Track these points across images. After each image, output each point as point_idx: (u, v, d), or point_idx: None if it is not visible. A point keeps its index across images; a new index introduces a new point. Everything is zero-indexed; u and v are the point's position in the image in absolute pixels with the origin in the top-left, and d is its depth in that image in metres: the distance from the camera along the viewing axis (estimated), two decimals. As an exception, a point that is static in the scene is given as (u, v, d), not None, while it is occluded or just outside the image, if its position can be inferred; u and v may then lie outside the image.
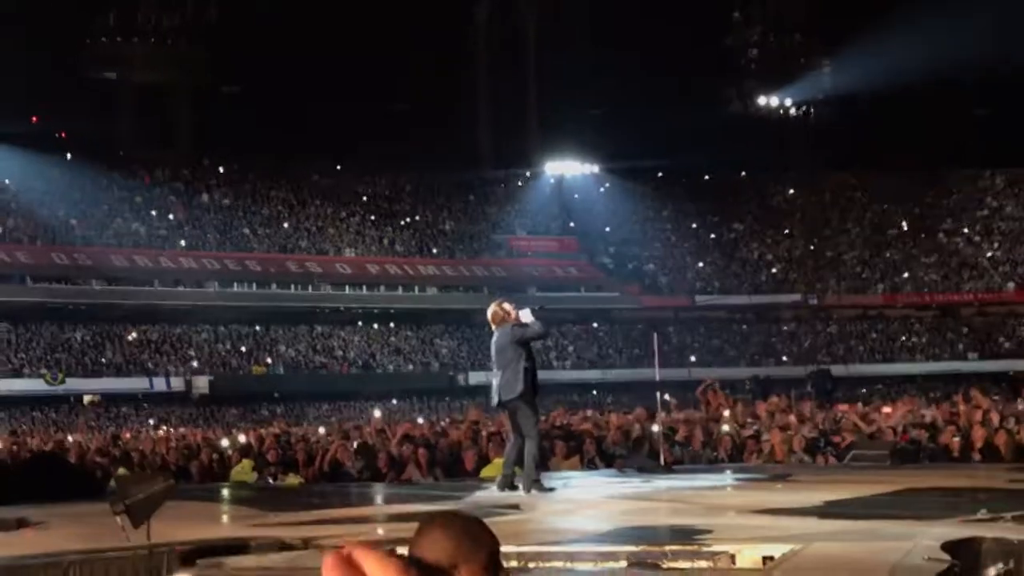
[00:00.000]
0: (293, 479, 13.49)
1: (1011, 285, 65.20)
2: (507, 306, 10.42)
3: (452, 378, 55.99)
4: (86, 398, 50.11)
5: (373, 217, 64.61)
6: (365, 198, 65.89)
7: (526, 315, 10.27)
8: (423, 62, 64.09)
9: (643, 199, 69.93)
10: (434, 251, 63.73)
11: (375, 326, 59.28)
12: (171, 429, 29.56)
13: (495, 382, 10.13)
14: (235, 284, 56.70)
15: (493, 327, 10.34)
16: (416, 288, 60.42)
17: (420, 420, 25.28)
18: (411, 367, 57.01)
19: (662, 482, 10.75)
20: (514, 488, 9.75)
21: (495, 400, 10.24)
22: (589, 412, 22.52)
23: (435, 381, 55.82)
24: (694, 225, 69.57)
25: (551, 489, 9.82)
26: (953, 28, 54.00)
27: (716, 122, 64.74)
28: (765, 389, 33.99)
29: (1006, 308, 64.45)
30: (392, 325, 59.52)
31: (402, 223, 64.92)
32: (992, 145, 66.20)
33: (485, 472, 12.16)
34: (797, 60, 60.49)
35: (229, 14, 63.20)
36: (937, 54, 53.30)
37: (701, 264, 66.92)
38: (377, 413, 33.01)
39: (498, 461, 12.07)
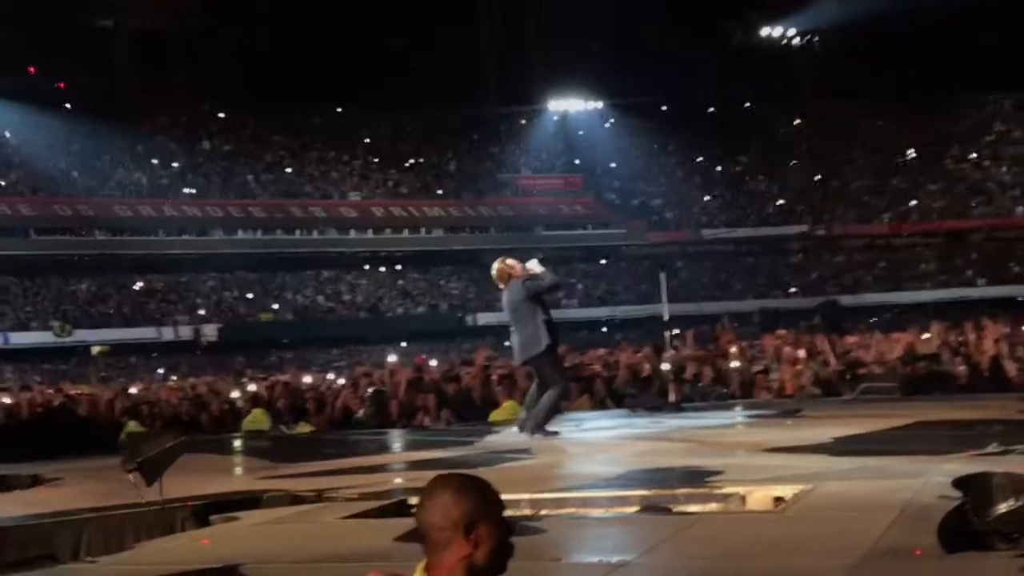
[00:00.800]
0: (304, 427, 13.53)
1: (1020, 209, 64.96)
2: (511, 261, 10.14)
3: (461, 319, 56.03)
4: (94, 349, 50.18)
5: (376, 159, 64.38)
6: (368, 140, 65.60)
7: (534, 266, 10.02)
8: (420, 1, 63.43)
9: (647, 134, 69.51)
10: (439, 192, 63.55)
11: (382, 269, 59.29)
12: (180, 379, 29.61)
13: (515, 340, 9.89)
14: (239, 231, 56.66)
15: (500, 285, 10.10)
16: (422, 230, 60.34)
17: (433, 362, 25.28)
18: (420, 309, 57.10)
19: (672, 421, 10.76)
20: (539, 433, 9.61)
21: (518, 359, 10.11)
22: (601, 351, 22.46)
23: (444, 323, 55.87)
24: (699, 159, 69.26)
25: (555, 433, 9.72)
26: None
27: (720, 55, 64.14)
28: (774, 321, 33.92)
29: (1015, 233, 64.15)
30: (399, 268, 59.53)
31: (406, 165, 64.70)
32: (999, 69, 65.46)
33: (494, 415, 12.17)
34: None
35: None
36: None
37: (707, 198, 66.75)
38: (392, 357, 32.98)
39: (508, 404, 12.11)
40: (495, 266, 10.17)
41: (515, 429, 9.92)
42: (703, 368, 14.60)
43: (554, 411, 9.92)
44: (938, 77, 65.92)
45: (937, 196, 66.33)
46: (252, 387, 17.94)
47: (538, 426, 9.63)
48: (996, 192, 66.46)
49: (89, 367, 47.48)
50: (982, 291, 59.43)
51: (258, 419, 13.99)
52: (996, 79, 67.70)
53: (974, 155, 68.85)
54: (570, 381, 10.61)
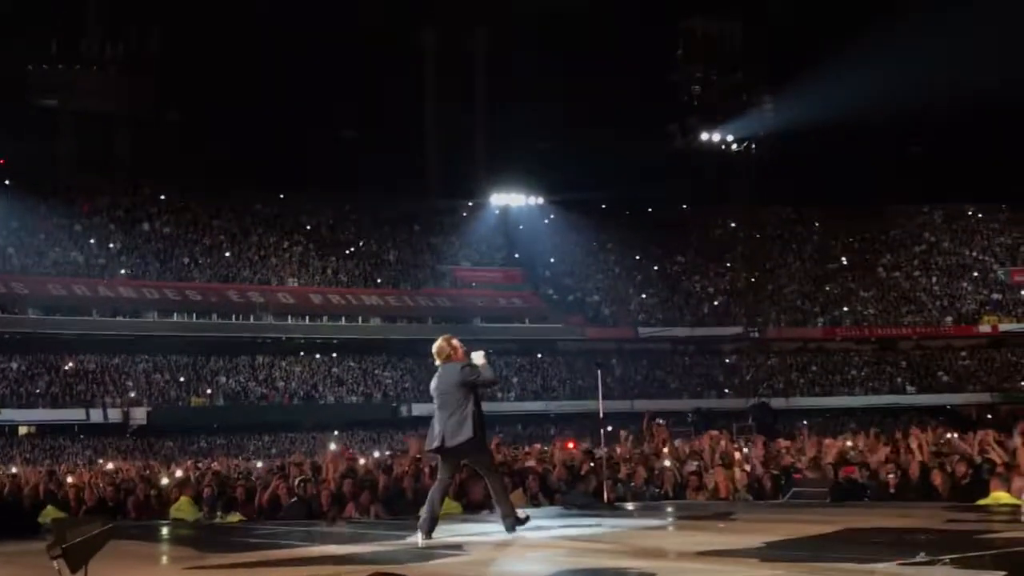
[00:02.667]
0: (234, 516, 13.31)
1: (949, 319, 66.34)
2: (456, 343, 9.81)
3: (395, 409, 55.72)
4: (21, 429, 49.18)
5: (316, 247, 64.30)
6: (308, 227, 65.59)
7: (478, 358, 9.73)
8: (368, 92, 64.06)
9: (587, 231, 70.31)
10: (378, 281, 63.53)
11: (317, 356, 58.88)
12: (106, 463, 29.04)
13: (437, 425, 9.46)
14: (175, 314, 56.08)
15: (438, 362, 9.72)
16: (359, 318, 60.14)
17: (375, 454, 25.06)
18: (354, 398, 56.65)
19: (605, 520, 10.73)
20: (432, 530, 9.21)
21: (435, 444, 9.44)
22: (538, 446, 22.48)
23: (378, 412, 55.50)
24: (637, 257, 70.06)
25: (526, 519, 9.50)
26: (891, 68, 55.01)
27: (660, 156, 65.45)
28: (707, 421, 34.14)
29: (943, 342, 65.53)
30: (335, 355, 59.15)
31: (346, 252, 64.68)
32: (929, 181, 67.41)
33: (426, 509, 12.05)
34: (738, 97, 61.35)
35: (172, 43, 62.82)
36: (875, 93, 54.27)
37: (644, 296, 67.36)
38: (333, 445, 32.65)
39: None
40: (439, 341, 9.80)
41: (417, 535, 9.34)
42: (637, 467, 14.63)
43: (507, 494, 9.70)
44: (871, 187, 67.67)
45: (869, 303, 67.55)
46: (179, 473, 17.66)
47: (511, 517, 9.39)
48: (926, 301, 67.84)
49: (14, 447, 46.46)
50: (911, 398, 60.46)
51: (184, 508, 13.76)
52: (927, 192, 69.66)
53: (904, 264, 70.41)
54: (497, 468, 10.33)
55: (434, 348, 9.75)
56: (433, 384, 9.69)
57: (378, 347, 59.66)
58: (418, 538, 9.03)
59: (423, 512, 9.31)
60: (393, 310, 61.28)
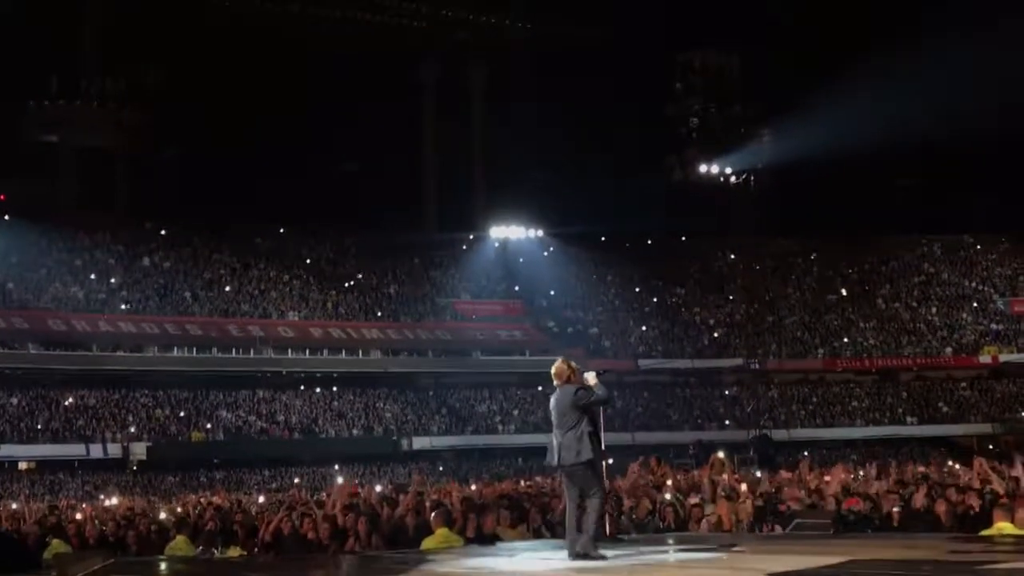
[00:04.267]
0: (234, 551, 13.26)
1: (948, 350, 66.31)
2: (574, 364, 10.09)
3: (396, 443, 55.65)
4: (21, 464, 49.10)
5: (317, 280, 64.39)
6: (308, 261, 65.72)
7: (591, 378, 9.97)
8: (368, 125, 64.32)
9: (587, 263, 70.46)
10: (378, 314, 63.55)
11: (318, 390, 58.82)
12: (107, 498, 28.98)
13: (555, 441, 9.87)
14: (175, 348, 56.08)
15: (556, 383, 10.01)
16: (360, 352, 60.09)
17: (376, 488, 25.02)
18: (354, 432, 56.54)
19: (608, 553, 10.71)
20: (583, 556, 9.54)
21: (554, 461, 9.92)
22: (538, 479, 22.47)
23: (379, 446, 55.44)
24: (637, 289, 70.13)
25: (602, 557, 9.57)
26: (889, 98, 55.28)
27: (659, 188, 65.63)
28: (708, 454, 34.03)
29: (943, 373, 65.50)
30: (335, 389, 59.07)
31: (346, 286, 64.75)
32: (928, 213, 67.60)
33: (426, 543, 12.02)
34: (737, 129, 61.60)
35: (172, 77, 63.11)
36: (875, 123, 54.46)
37: (644, 328, 67.34)
38: (340, 479, 32.61)
39: (440, 531, 11.95)
40: (557, 363, 10.08)
41: (566, 555, 9.73)
42: (640, 499, 14.61)
43: (601, 522, 9.92)
44: (870, 219, 67.84)
45: (869, 334, 67.56)
46: (178, 509, 17.61)
47: (591, 542, 9.59)
48: (925, 332, 67.86)
49: (15, 483, 46.35)
50: (912, 429, 60.38)
51: (180, 546, 13.69)
52: (926, 223, 69.84)
53: (904, 295, 70.51)
54: (608, 491, 10.58)
55: (553, 370, 10.04)
56: (552, 403, 10.03)
57: (379, 380, 59.64)
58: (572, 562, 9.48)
59: (568, 536, 9.77)
60: (393, 343, 61.26)
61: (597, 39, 62.75)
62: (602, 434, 10.06)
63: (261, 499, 22.35)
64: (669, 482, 16.13)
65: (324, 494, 18.35)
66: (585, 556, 9.54)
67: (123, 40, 62.63)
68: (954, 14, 54.72)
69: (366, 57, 63.33)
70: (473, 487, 21.34)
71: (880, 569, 8.56)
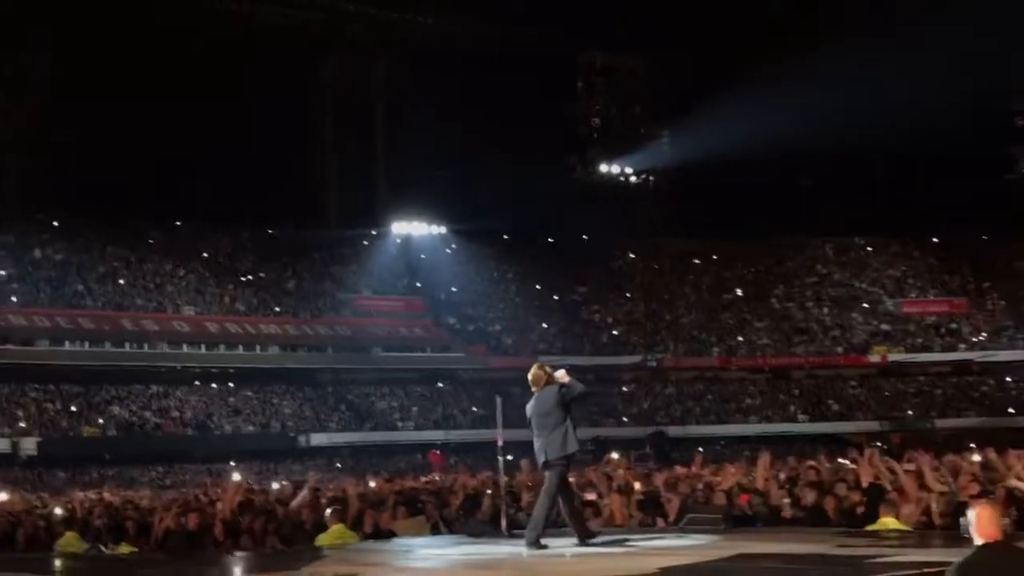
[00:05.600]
0: (125, 548, 13.01)
1: (840, 349, 67.88)
2: (549, 368, 10.72)
3: (293, 439, 55.13)
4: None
5: (213, 274, 63.43)
6: (205, 255, 64.69)
7: (563, 375, 10.61)
8: (267, 119, 63.48)
9: (489, 261, 70.56)
10: (277, 310, 62.87)
11: (213, 385, 57.99)
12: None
13: (538, 443, 10.36)
14: (67, 342, 54.77)
15: (534, 389, 10.56)
16: (257, 347, 59.40)
17: (273, 485, 24.69)
18: (251, 428, 55.86)
19: (503, 548, 10.76)
20: (588, 542, 10.14)
21: (541, 460, 10.41)
22: (438, 476, 22.44)
23: (276, 443, 54.85)
24: (538, 287, 70.46)
25: (544, 546, 10.02)
26: (784, 102, 56.28)
27: (561, 187, 65.95)
28: (605, 450, 34.40)
29: (834, 371, 67.04)
30: (231, 385, 58.31)
31: (243, 281, 63.91)
32: (822, 214, 68.97)
33: (321, 539, 11.94)
34: (637, 130, 62.20)
35: (64, 65, 61.52)
36: (771, 126, 55.42)
37: (545, 326, 67.70)
38: (236, 476, 32.15)
39: (336, 528, 11.89)
40: (533, 369, 10.72)
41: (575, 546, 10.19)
42: (535, 495, 14.67)
43: (543, 526, 10.25)
44: (765, 220, 68.99)
45: (763, 333, 68.83)
46: (68, 506, 17.23)
47: (531, 540, 10.04)
48: (817, 332, 69.35)
49: None
50: (803, 427, 61.65)
51: (70, 542, 13.42)
52: (818, 225, 71.29)
53: (797, 295, 71.98)
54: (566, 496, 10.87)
55: (530, 377, 10.67)
56: (531, 407, 10.56)
57: (276, 376, 59.02)
58: (574, 548, 10.05)
59: (575, 532, 10.32)
60: (292, 339, 60.67)
61: (500, 37, 62.83)
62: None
63: (152, 495, 21.92)
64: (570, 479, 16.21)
65: (219, 491, 18.10)
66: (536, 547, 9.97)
67: (12, 29, 60.86)
68: (851, 20, 56.04)
69: (266, 51, 62.49)
70: (371, 484, 21.22)
71: (769, 563, 8.73)
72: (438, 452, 39.86)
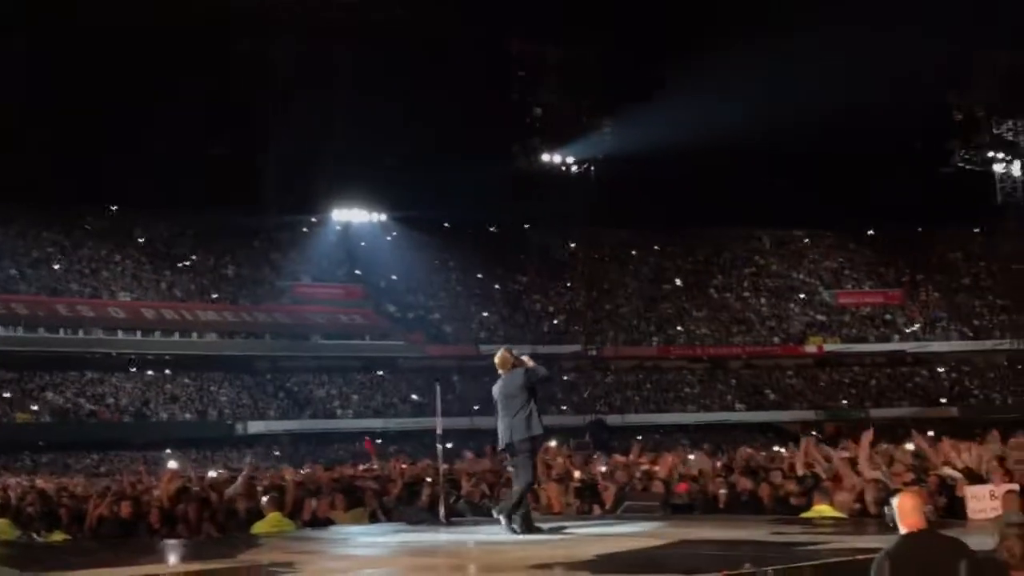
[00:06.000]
0: (58, 535, 12.82)
1: (776, 339, 68.61)
2: (515, 352, 10.93)
3: (231, 427, 54.69)
4: None
5: (150, 260, 62.68)
6: (142, 240, 63.92)
7: (527, 359, 10.82)
8: (206, 103, 62.80)
9: (430, 249, 70.38)
10: (215, 296, 62.28)
11: (150, 372, 57.35)
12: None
13: (502, 424, 10.54)
14: (0, 327, 53.84)
15: (501, 372, 10.75)
16: (194, 334, 58.81)
17: (210, 473, 24.44)
18: (187, 415, 55.33)
19: (442, 536, 10.76)
20: (535, 529, 10.23)
21: (503, 442, 10.60)
22: (376, 465, 22.34)
23: (213, 430, 54.39)
24: (479, 276, 70.44)
25: (539, 529, 10.31)
26: (726, 95, 56.77)
27: (502, 176, 65.93)
28: (546, 438, 34.35)
29: (772, 361, 67.78)
30: (168, 372, 57.71)
31: (181, 267, 63.22)
32: (760, 206, 69.69)
33: (257, 527, 11.85)
34: (579, 120, 62.32)
35: None
36: (710, 119, 55.88)
37: (486, 314, 67.71)
38: (172, 464, 31.77)
39: (272, 516, 11.81)
40: (500, 353, 10.89)
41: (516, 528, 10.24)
42: (477, 483, 14.68)
43: (521, 502, 10.41)
44: (704, 211, 69.58)
45: (701, 323, 69.39)
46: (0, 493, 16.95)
47: (508, 515, 10.24)
48: (755, 322, 70.04)
49: None
50: (740, 415, 62.30)
51: (2, 530, 13.18)
52: (757, 216, 72.01)
53: (735, 286, 72.65)
54: (535, 479, 11.25)
55: (497, 360, 10.85)
56: (497, 389, 10.77)
57: (214, 363, 58.48)
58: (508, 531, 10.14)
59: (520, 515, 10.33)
60: (230, 326, 60.13)
61: (444, 25, 62.65)
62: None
63: (86, 482, 21.63)
64: (511, 468, 16.25)
65: (153, 479, 17.90)
66: (510, 525, 10.17)
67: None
68: (787, 16, 56.57)
69: (208, 35, 61.76)
70: (309, 471, 21.10)
71: (705, 550, 8.81)
72: (369, 439, 39.53)
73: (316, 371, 61.17)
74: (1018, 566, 5.83)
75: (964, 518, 9.99)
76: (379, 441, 53.94)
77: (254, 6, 61.70)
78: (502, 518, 10.23)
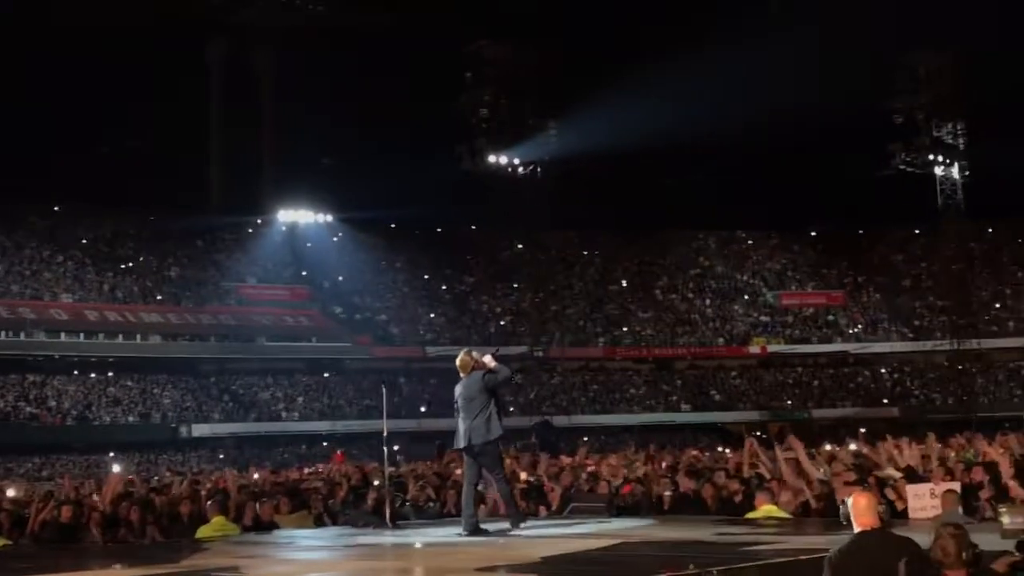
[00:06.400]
0: (0, 541, 12.65)
1: (721, 340, 69.15)
2: (475, 354, 11.01)
3: (175, 430, 54.18)
4: None
5: (93, 261, 61.92)
6: (85, 241, 63.11)
7: (489, 360, 10.89)
8: (150, 102, 62.15)
9: (376, 250, 70.15)
10: (158, 298, 61.65)
11: (92, 375, 56.65)
12: None
13: (463, 426, 10.65)
14: (-62, 330, 53.08)
15: (462, 374, 10.86)
16: (138, 336, 58.18)
17: (155, 477, 24.23)
18: (131, 418, 54.72)
19: (389, 539, 10.75)
20: (481, 531, 10.37)
21: (463, 443, 10.70)
22: (320, 467, 22.29)
23: (156, 433, 53.86)
24: (426, 277, 70.33)
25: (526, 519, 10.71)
26: (671, 96, 57.06)
27: (448, 176, 65.81)
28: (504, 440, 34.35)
29: (716, 362, 68.30)
30: (111, 374, 57.04)
31: (124, 268, 62.51)
32: (705, 208, 70.21)
33: (202, 531, 11.78)
34: (525, 122, 62.38)
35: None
36: (656, 120, 56.14)
37: (433, 315, 67.61)
38: (116, 468, 31.46)
39: (217, 519, 11.73)
40: (461, 355, 10.97)
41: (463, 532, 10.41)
42: (424, 485, 14.68)
43: (513, 500, 10.85)
44: (649, 212, 69.97)
45: (647, 324, 69.76)
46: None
47: (518, 522, 10.58)
48: (699, 323, 70.55)
49: None
50: (686, 416, 62.72)
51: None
52: (702, 218, 72.55)
53: (680, 287, 73.13)
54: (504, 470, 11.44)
55: (458, 363, 10.94)
56: (458, 391, 10.90)
57: (158, 366, 57.88)
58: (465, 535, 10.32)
59: (465, 513, 10.63)
60: (174, 328, 59.56)
61: (389, 25, 62.45)
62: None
63: (25, 487, 21.33)
64: (458, 471, 16.28)
65: (93, 483, 17.72)
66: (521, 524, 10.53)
67: None
68: (732, 17, 57.03)
69: (152, 34, 61.10)
70: (255, 475, 20.98)
71: (649, 551, 8.88)
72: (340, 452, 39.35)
73: (261, 373, 60.75)
74: (952, 565, 5.96)
75: (906, 517, 10.16)
76: (324, 444, 53.92)
77: (199, 7, 61.16)
78: (513, 527, 10.52)
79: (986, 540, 6.97)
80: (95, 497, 14.78)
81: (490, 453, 10.72)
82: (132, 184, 62.12)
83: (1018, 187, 62.27)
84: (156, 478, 22.78)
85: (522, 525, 10.60)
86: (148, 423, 54.64)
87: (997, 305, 70.54)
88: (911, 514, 10.60)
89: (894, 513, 10.26)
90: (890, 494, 11.03)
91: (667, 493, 13.25)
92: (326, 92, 63.22)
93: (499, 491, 10.92)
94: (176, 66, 63.05)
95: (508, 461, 17.21)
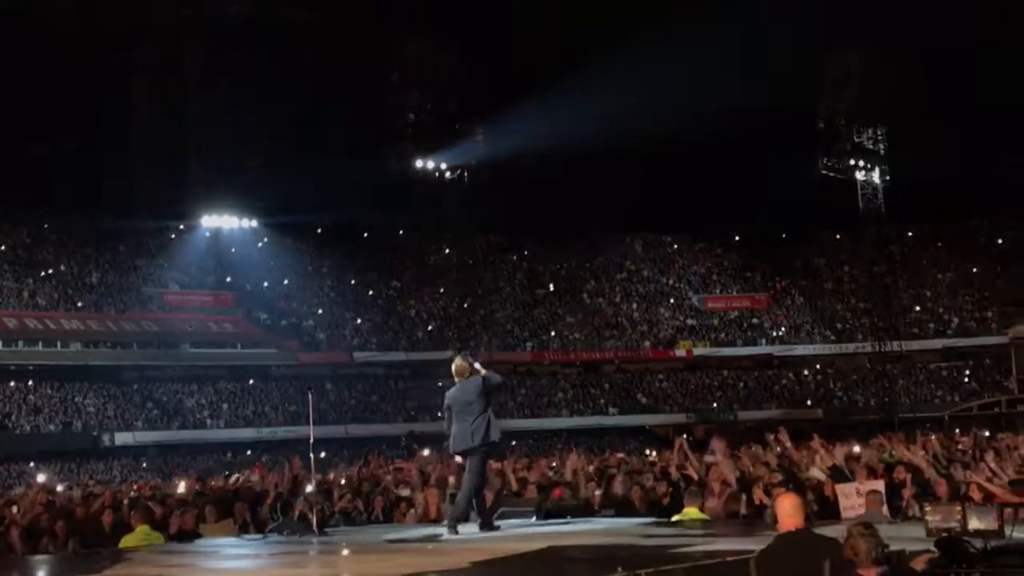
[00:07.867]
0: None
1: (647, 344, 69.65)
2: (471, 359, 11.29)
3: (97, 438, 53.29)
4: None
5: (11, 268, 60.70)
6: (2, 247, 61.84)
7: (478, 367, 11.17)
8: (67, 103, 61.01)
9: (302, 255, 69.64)
10: (79, 304, 60.59)
11: (12, 383, 55.50)
12: None
13: (456, 429, 10.80)
14: None
15: (458, 380, 11.02)
16: (58, 343, 57.14)
17: (77, 486, 23.76)
18: (51, 427, 53.72)
19: (315, 547, 10.65)
20: (494, 527, 10.80)
21: (457, 448, 10.90)
22: (242, 475, 21.99)
23: (78, 442, 52.93)
24: (353, 282, 69.94)
25: (455, 533, 10.56)
26: (597, 100, 57.38)
27: (375, 181, 65.57)
28: (421, 445, 34.38)
29: (643, 366, 68.78)
30: (31, 383, 55.92)
31: (43, 274, 61.35)
32: (631, 212, 70.68)
33: (125, 541, 11.57)
34: (452, 125, 62.36)
35: None
36: (582, 124, 56.41)
37: (359, 321, 67.24)
38: (41, 477, 30.74)
39: (140, 529, 11.53)
40: (457, 361, 11.20)
41: (444, 530, 10.66)
42: (351, 493, 14.58)
43: (470, 504, 10.90)
44: (577, 216, 70.25)
45: (575, 328, 70.04)
46: None
47: (488, 523, 10.84)
48: (626, 327, 70.99)
49: None
50: (614, 419, 63.06)
51: None
52: (628, 222, 73.01)
53: (608, 291, 73.54)
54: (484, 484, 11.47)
55: (455, 368, 11.14)
56: (453, 396, 11.02)
57: (79, 373, 56.85)
58: (448, 533, 10.54)
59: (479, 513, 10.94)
60: (95, 334, 58.58)
61: (315, 26, 62.04)
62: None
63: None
64: (389, 477, 16.22)
65: (13, 493, 17.34)
66: (487, 527, 10.80)
67: None
68: (658, 19, 57.49)
69: (73, 34, 60.01)
70: (179, 484, 20.66)
71: (579, 554, 8.89)
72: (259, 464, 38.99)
73: (185, 380, 59.96)
74: (863, 564, 6.05)
75: (838, 517, 10.29)
76: (249, 452, 53.33)
77: (122, 7, 60.24)
78: (457, 528, 10.57)
79: (911, 538, 7.08)
80: (14, 509, 14.46)
81: (480, 454, 10.83)
82: (52, 188, 60.96)
83: (938, 192, 63.62)
84: (78, 487, 22.34)
85: (448, 529, 10.63)
86: (69, 431, 53.71)
87: (917, 308, 71.96)
88: (843, 513, 10.77)
89: (827, 514, 10.40)
90: (810, 495, 11.18)
91: (596, 495, 13.31)
92: (251, 95, 62.60)
93: (464, 487, 10.98)
94: (97, 66, 61.97)
95: (436, 467, 17.16)
